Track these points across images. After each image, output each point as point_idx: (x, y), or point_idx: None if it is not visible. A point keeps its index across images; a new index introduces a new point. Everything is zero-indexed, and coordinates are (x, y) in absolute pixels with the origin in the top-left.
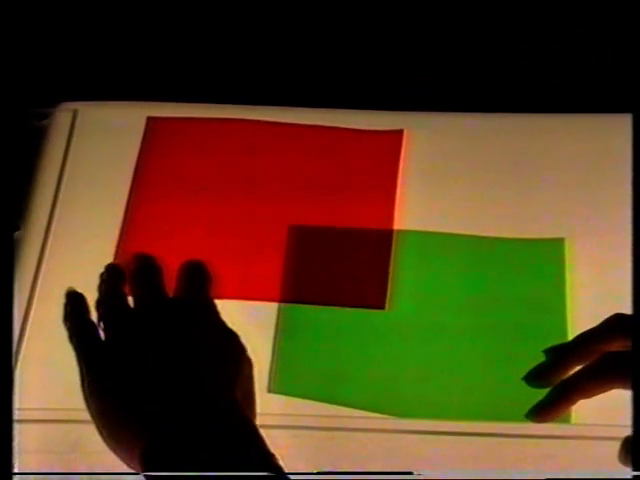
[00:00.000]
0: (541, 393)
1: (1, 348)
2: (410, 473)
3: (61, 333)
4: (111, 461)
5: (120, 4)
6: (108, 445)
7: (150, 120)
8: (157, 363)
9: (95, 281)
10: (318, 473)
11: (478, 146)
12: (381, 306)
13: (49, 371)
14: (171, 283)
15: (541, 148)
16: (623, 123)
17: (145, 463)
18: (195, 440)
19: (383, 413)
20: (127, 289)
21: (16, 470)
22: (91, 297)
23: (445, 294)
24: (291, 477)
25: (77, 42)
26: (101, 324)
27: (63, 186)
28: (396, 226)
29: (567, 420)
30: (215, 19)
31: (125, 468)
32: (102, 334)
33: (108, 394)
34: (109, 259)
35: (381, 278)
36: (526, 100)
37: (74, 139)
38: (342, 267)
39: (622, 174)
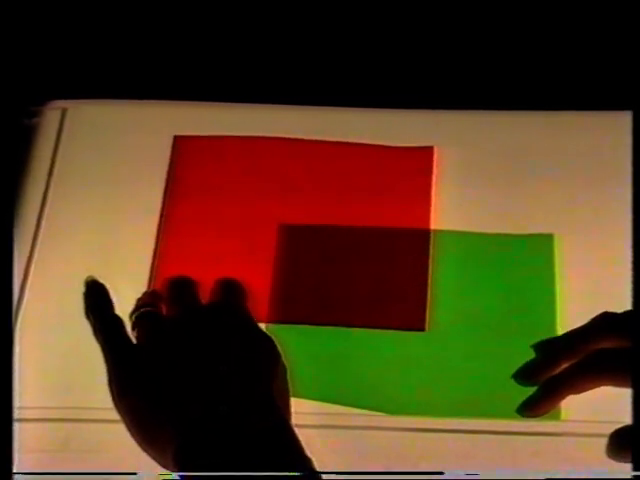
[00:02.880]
0: (530, 390)
1: (1, 348)
2: (441, 473)
3: (52, 333)
4: (102, 460)
5: (110, 1)
6: (139, 444)
7: (177, 138)
8: (194, 365)
9: (72, 280)
10: (348, 473)
11: (476, 143)
12: (421, 327)
13: (39, 370)
14: (205, 299)
15: (541, 145)
16: (623, 120)
17: (180, 463)
18: (231, 440)
19: (374, 410)
20: (163, 305)
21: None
22: (80, 298)
23: (439, 290)
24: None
25: (65, 40)
26: (135, 327)
27: (52, 185)
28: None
29: (556, 417)
30: (213, 14)
31: (118, 468)
32: (135, 336)
33: (143, 394)
34: (98, 258)
35: (420, 295)
36: (526, 98)
37: (63, 137)
38: (373, 280)
39: (621, 171)
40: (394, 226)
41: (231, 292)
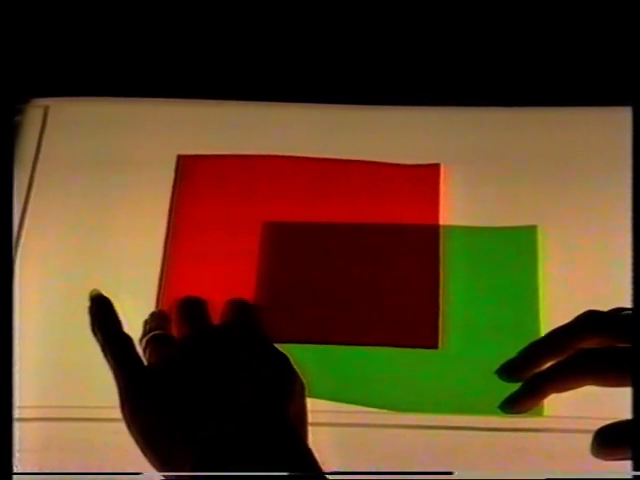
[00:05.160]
0: (513, 387)
1: (2, 350)
2: (450, 473)
3: (36, 334)
4: (85, 459)
5: None
6: (152, 463)
7: (181, 158)
8: (208, 383)
9: (68, 280)
10: (353, 473)
11: (475, 139)
12: (434, 345)
13: (36, 369)
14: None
15: (540, 141)
16: (623, 116)
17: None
18: (244, 459)
19: (363, 406)
20: (173, 326)
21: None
22: (58, 302)
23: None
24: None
25: (47, 37)
26: (146, 350)
27: (35, 183)
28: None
29: (539, 413)
30: (201, 8)
31: (117, 468)
32: (146, 358)
33: (158, 415)
34: (82, 257)
35: (431, 312)
36: (525, 94)
37: (46, 135)
38: (378, 290)
39: (618, 166)
40: (398, 223)
41: (243, 311)
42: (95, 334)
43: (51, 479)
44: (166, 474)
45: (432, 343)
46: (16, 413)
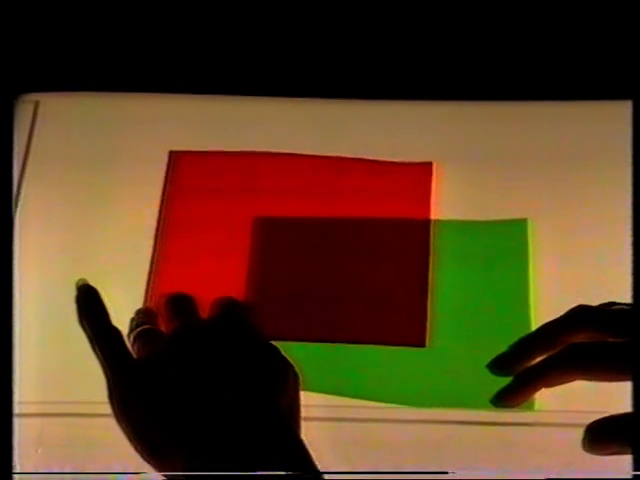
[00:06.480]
0: (504, 382)
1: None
2: (445, 472)
3: (32, 330)
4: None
5: None
6: (143, 457)
7: (172, 154)
8: (198, 377)
9: (58, 275)
10: (349, 472)
11: (475, 134)
12: (421, 344)
13: (21, 365)
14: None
15: (538, 136)
16: (623, 110)
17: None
18: (239, 453)
19: (353, 397)
20: (161, 322)
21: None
22: (49, 297)
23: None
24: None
25: (37, 33)
26: (135, 344)
27: (25, 178)
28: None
29: (530, 407)
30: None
31: (110, 465)
32: (135, 352)
33: (148, 409)
34: (73, 255)
35: (420, 310)
36: (523, 87)
37: (36, 131)
38: (365, 286)
39: (617, 160)
40: (388, 217)
41: (232, 306)
42: (82, 325)
43: (50, 478)
44: (163, 474)
45: (419, 342)
46: (16, 409)
